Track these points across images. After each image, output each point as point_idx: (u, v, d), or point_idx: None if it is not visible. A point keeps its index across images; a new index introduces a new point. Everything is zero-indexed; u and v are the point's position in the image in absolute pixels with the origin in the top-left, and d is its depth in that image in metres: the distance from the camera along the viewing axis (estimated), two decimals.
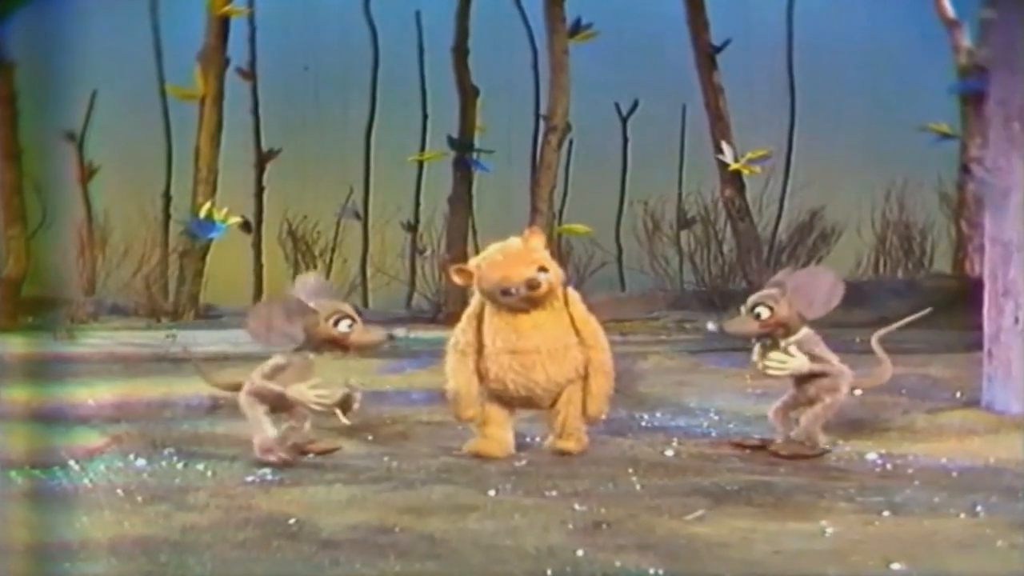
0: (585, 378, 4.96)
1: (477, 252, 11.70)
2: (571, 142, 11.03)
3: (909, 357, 6.76)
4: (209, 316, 10.52)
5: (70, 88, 10.55)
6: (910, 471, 4.66)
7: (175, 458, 4.84)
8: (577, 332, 4.95)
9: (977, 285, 8.73)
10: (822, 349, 4.95)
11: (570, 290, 5.05)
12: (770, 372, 4.93)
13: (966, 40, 10.68)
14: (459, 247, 11.07)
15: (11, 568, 3.55)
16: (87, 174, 11.13)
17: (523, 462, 4.80)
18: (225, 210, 10.45)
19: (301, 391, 4.71)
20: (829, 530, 3.83)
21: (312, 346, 4.77)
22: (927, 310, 5.36)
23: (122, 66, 11.06)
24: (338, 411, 4.89)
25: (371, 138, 11.95)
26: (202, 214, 10.34)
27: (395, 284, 11.71)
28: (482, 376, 4.94)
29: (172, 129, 11.46)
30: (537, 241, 4.97)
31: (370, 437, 5.31)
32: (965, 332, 7.44)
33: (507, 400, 4.96)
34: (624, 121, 11.94)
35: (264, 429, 4.73)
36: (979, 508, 4.07)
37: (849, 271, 10.73)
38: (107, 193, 11.12)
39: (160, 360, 7.10)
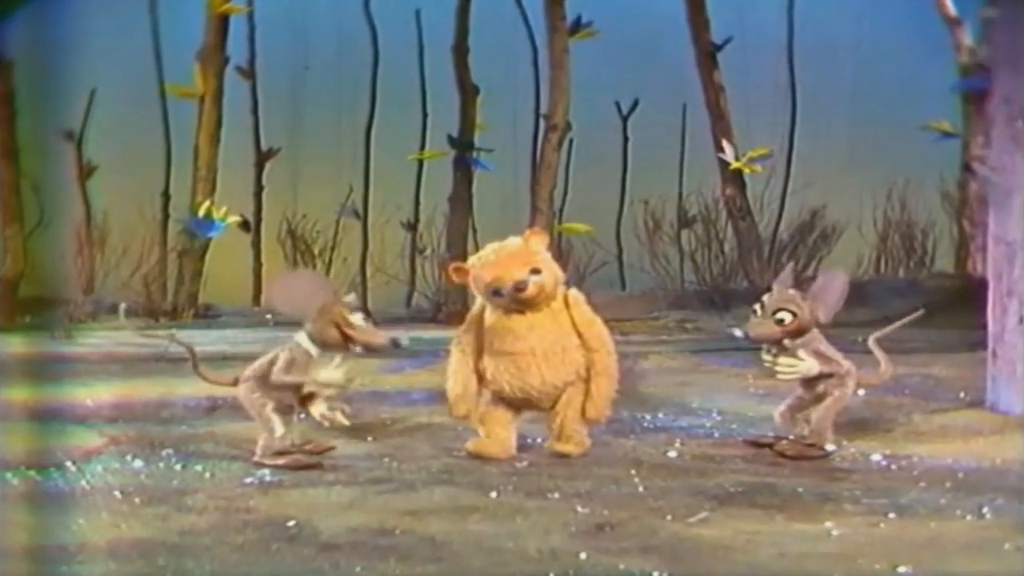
0: (587, 380, 4.90)
1: (477, 251, 11.78)
2: (571, 141, 11.01)
3: (912, 357, 6.73)
4: (208, 316, 10.49)
5: (68, 87, 10.52)
6: (915, 472, 4.63)
7: (173, 459, 4.81)
8: (579, 334, 4.89)
9: (980, 284, 8.73)
10: (826, 347, 4.92)
11: (573, 291, 4.98)
12: (780, 377, 4.89)
13: (968, 38, 10.66)
14: (459, 246, 11.05)
15: (7, 571, 3.51)
16: (85, 173, 11.09)
17: (524, 463, 4.76)
18: (224, 209, 10.42)
19: (329, 373, 4.69)
20: (834, 532, 3.80)
21: (317, 328, 4.72)
22: (920, 311, 5.31)
23: (121, 64, 11.03)
24: (338, 413, 4.87)
25: (371, 137, 11.92)
26: (201, 213, 10.31)
27: (395, 283, 11.68)
28: (481, 377, 4.90)
29: (171, 128, 11.42)
30: (537, 242, 4.91)
31: (370, 438, 5.27)
32: (968, 331, 7.42)
33: (507, 401, 4.92)
34: (625, 120, 11.91)
35: (274, 428, 4.70)
36: (985, 510, 4.04)
37: (850, 270, 10.67)
38: (106, 192, 11.08)
39: (159, 360, 7.04)
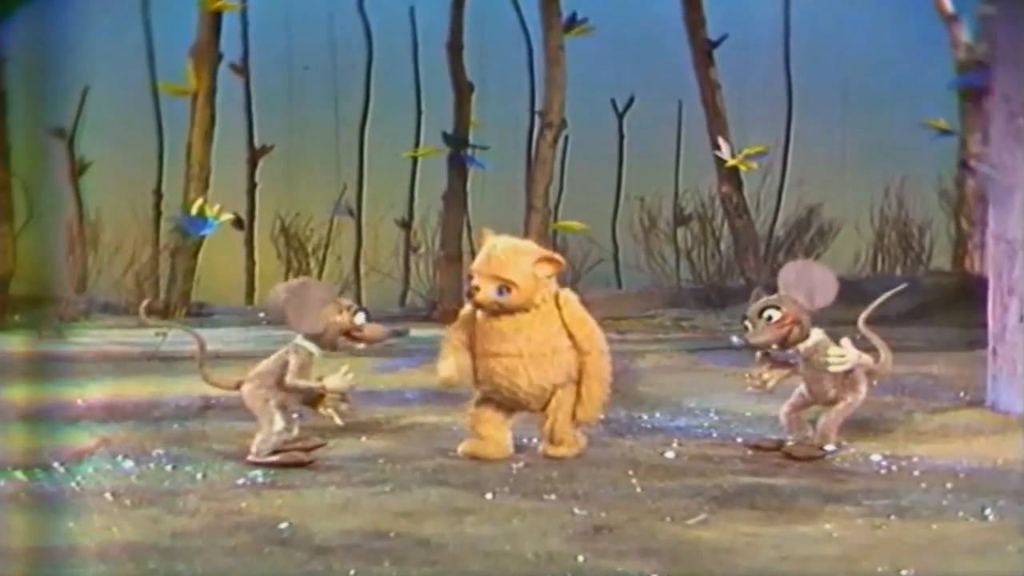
0: (578, 383, 4.83)
1: (472, 249, 11.75)
2: (567, 138, 10.95)
3: (910, 355, 6.67)
4: (201, 314, 10.43)
5: (61, 84, 10.46)
6: (916, 473, 4.58)
7: (164, 460, 4.75)
8: (570, 335, 4.82)
9: (977, 282, 8.71)
10: (846, 343, 4.88)
11: (566, 292, 4.89)
12: (832, 369, 4.83)
13: (965, 35, 10.63)
14: (454, 245, 11.01)
15: None
16: (78, 170, 11.03)
17: (520, 464, 4.70)
18: (217, 207, 10.35)
19: (338, 380, 4.72)
20: (836, 534, 3.75)
21: (326, 338, 4.71)
22: (904, 285, 5.26)
23: (114, 62, 10.96)
24: (333, 412, 4.84)
25: (365, 134, 11.86)
26: (194, 210, 10.25)
27: (389, 282, 11.63)
28: (475, 378, 4.85)
29: (164, 125, 11.36)
30: (523, 255, 4.79)
31: (364, 438, 5.21)
32: (966, 330, 7.39)
33: (497, 402, 4.86)
34: (620, 117, 11.86)
35: (275, 422, 4.67)
36: (988, 511, 3.99)
37: (847, 268, 10.66)
38: (99, 190, 11.02)
39: (151, 359, 6.99)
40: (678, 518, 3.90)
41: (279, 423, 4.68)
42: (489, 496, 4.17)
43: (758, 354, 4.95)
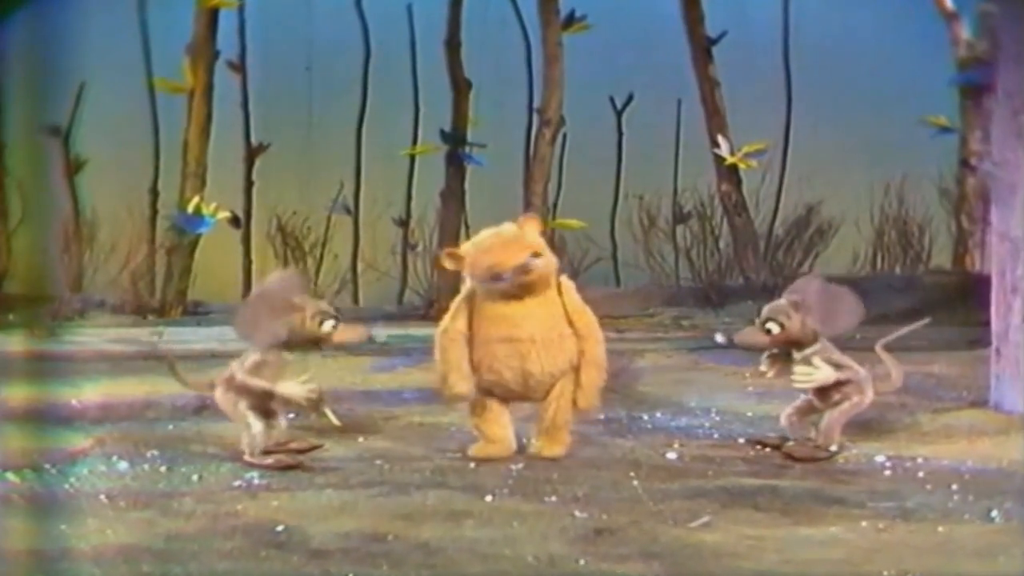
0: (577, 370, 4.79)
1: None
2: (565, 136, 10.89)
3: (912, 355, 6.58)
4: (197, 313, 10.37)
5: (56, 82, 10.39)
6: (920, 474, 4.53)
7: (159, 461, 4.70)
8: (570, 322, 4.79)
9: (978, 281, 8.66)
10: (839, 356, 4.83)
11: (565, 279, 4.91)
12: (797, 386, 4.79)
13: (965, 32, 10.56)
14: (451, 243, 10.92)
15: None
16: (73, 168, 10.96)
17: (520, 465, 4.65)
18: (214, 205, 10.30)
19: (292, 387, 4.62)
20: (841, 537, 3.70)
21: (293, 344, 4.65)
22: (926, 320, 5.23)
23: (109, 59, 10.88)
24: (328, 412, 4.80)
25: (362, 132, 11.79)
26: (190, 209, 10.19)
27: (386, 280, 11.56)
28: (475, 368, 4.77)
29: (160, 123, 11.30)
30: (532, 227, 4.84)
31: (361, 439, 5.15)
32: (968, 329, 7.35)
33: (501, 394, 4.80)
34: (619, 115, 11.80)
35: (251, 424, 4.62)
36: (994, 513, 3.96)
37: (847, 267, 10.60)
38: (94, 188, 10.95)
39: (147, 358, 6.92)
40: (681, 521, 3.85)
41: (255, 424, 4.62)
42: (489, 498, 4.12)
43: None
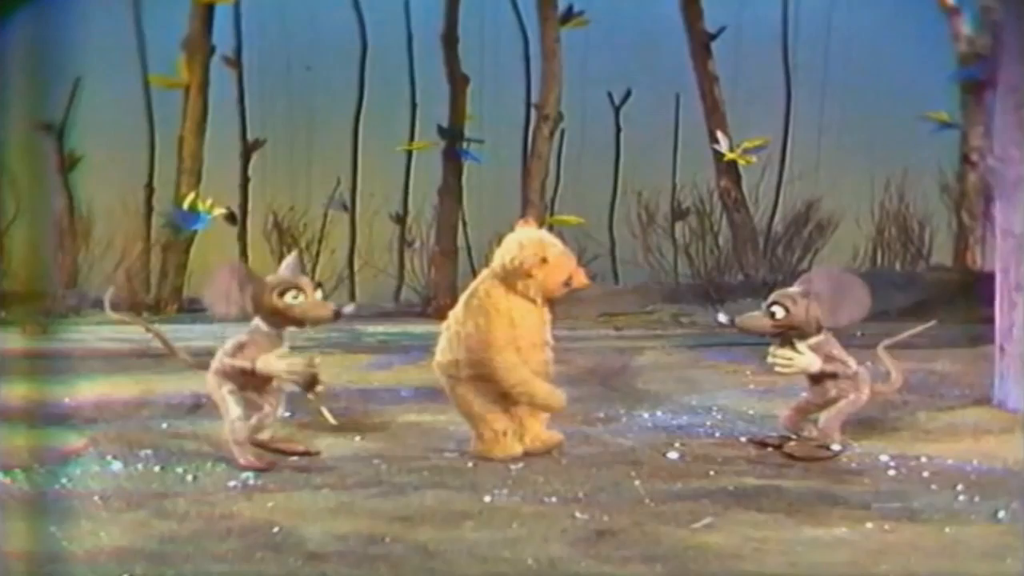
0: None
1: (467, 244, 11.64)
2: (563, 132, 10.86)
3: (913, 352, 6.53)
4: (193, 310, 10.30)
5: (51, 78, 10.31)
6: (925, 474, 4.47)
7: (153, 461, 4.63)
8: None
9: (980, 278, 8.59)
10: (839, 351, 4.76)
11: None
12: (776, 370, 4.74)
13: (966, 28, 10.52)
14: (449, 239, 10.92)
15: None
16: (68, 164, 10.90)
17: (519, 465, 4.58)
18: (210, 201, 10.24)
19: (268, 361, 4.58)
20: (846, 538, 3.64)
21: (263, 318, 4.58)
22: (932, 323, 5.16)
23: (105, 55, 10.82)
24: (325, 411, 4.74)
25: (359, 128, 11.75)
26: (186, 205, 10.13)
27: (383, 277, 11.51)
28: None
29: (156, 119, 11.25)
30: None
31: (358, 438, 5.09)
32: (969, 326, 7.29)
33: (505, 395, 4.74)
34: (617, 110, 11.75)
35: (229, 408, 4.55)
36: (1001, 514, 3.90)
37: (846, 263, 10.54)
38: (90, 184, 10.89)
39: (141, 356, 6.85)
40: (683, 522, 3.78)
41: (235, 409, 4.56)
42: (488, 499, 4.05)
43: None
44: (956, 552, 3.56)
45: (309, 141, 11.60)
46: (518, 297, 4.66)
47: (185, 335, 7.75)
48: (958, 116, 10.63)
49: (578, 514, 3.86)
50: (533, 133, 10.71)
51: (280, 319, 4.63)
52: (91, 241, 10.58)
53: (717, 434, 5.20)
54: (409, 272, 11.44)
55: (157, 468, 4.54)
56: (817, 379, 4.77)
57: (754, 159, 10.83)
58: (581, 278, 4.73)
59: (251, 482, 4.33)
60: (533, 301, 4.66)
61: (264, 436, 4.68)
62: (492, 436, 4.71)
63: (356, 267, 11.62)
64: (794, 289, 4.81)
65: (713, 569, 3.40)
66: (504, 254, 4.71)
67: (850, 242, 10.96)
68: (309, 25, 11.50)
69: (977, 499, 4.09)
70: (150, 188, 11.07)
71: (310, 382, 4.66)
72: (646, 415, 5.57)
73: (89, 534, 3.69)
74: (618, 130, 11.79)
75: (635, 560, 3.44)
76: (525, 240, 4.74)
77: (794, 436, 4.84)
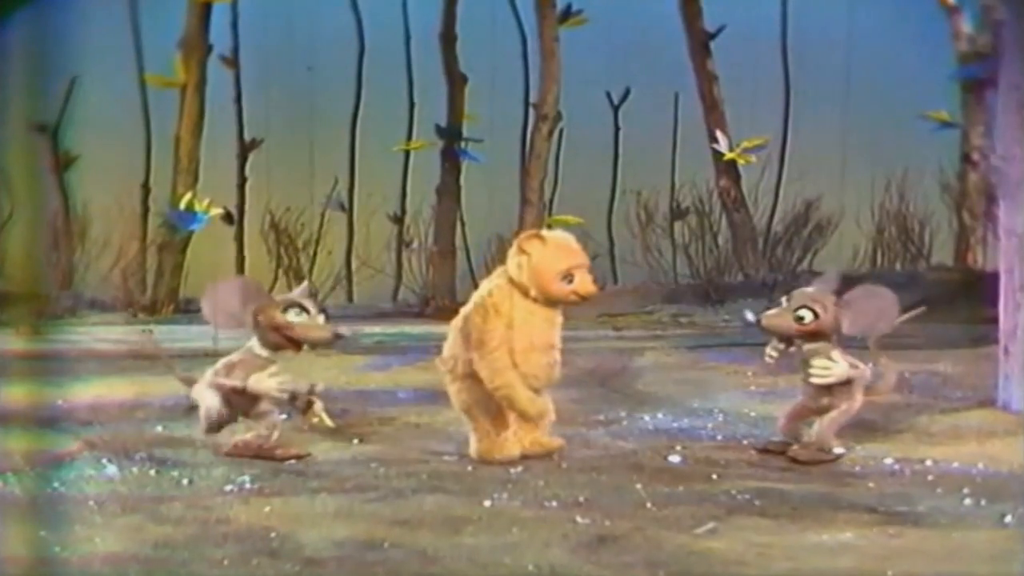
0: None
1: (465, 244, 11.59)
2: (561, 131, 10.81)
3: (915, 353, 6.51)
4: (190, 311, 10.25)
5: (47, 78, 10.26)
6: (930, 477, 4.42)
7: (148, 464, 4.57)
8: None
9: (981, 278, 8.54)
10: (842, 354, 4.70)
11: None
12: (813, 380, 4.66)
13: (966, 27, 10.47)
14: (447, 239, 10.88)
15: None
16: (63, 164, 10.84)
17: (519, 468, 4.52)
18: (207, 201, 10.18)
19: (260, 379, 4.54)
20: (851, 544, 3.58)
21: (261, 335, 4.55)
22: (922, 309, 5.07)
23: (101, 54, 10.76)
24: (322, 413, 4.70)
25: (356, 127, 11.69)
26: (183, 205, 10.07)
27: (381, 277, 11.46)
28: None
29: (152, 118, 11.20)
30: None
31: (356, 441, 5.03)
32: (971, 326, 7.24)
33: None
34: (616, 110, 11.70)
35: (204, 398, 4.54)
36: (1008, 519, 3.84)
37: (846, 263, 10.50)
38: (86, 184, 10.84)
39: (137, 357, 6.79)
40: (686, 527, 3.73)
41: (211, 399, 4.58)
42: (487, 503, 4.00)
43: None
44: (963, 557, 3.51)
45: (307, 141, 11.54)
46: (522, 298, 4.60)
47: (181, 336, 7.74)
48: (959, 115, 10.58)
49: (579, 519, 3.80)
50: (532, 132, 10.66)
51: (278, 338, 4.58)
52: (87, 241, 10.53)
53: (719, 437, 5.13)
54: (407, 272, 11.39)
55: (152, 472, 4.48)
56: (817, 387, 4.71)
57: (754, 159, 10.77)
58: (585, 283, 4.62)
59: (247, 486, 4.27)
60: (535, 300, 4.59)
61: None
62: (489, 437, 4.66)
63: (354, 267, 11.57)
64: (819, 293, 4.71)
65: (717, 574, 3.35)
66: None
67: (850, 242, 10.91)
68: (307, 24, 11.45)
69: (983, 503, 4.04)
70: (146, 188, 11.02)
71: (305, 406, 4.63)
72: (647, 417, 5.51)
73: (82, 539, 3.64)
74: (617, 129, 11.73)
75: (637, 566, 3.39)
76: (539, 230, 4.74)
77: (793, 441, 4.78)
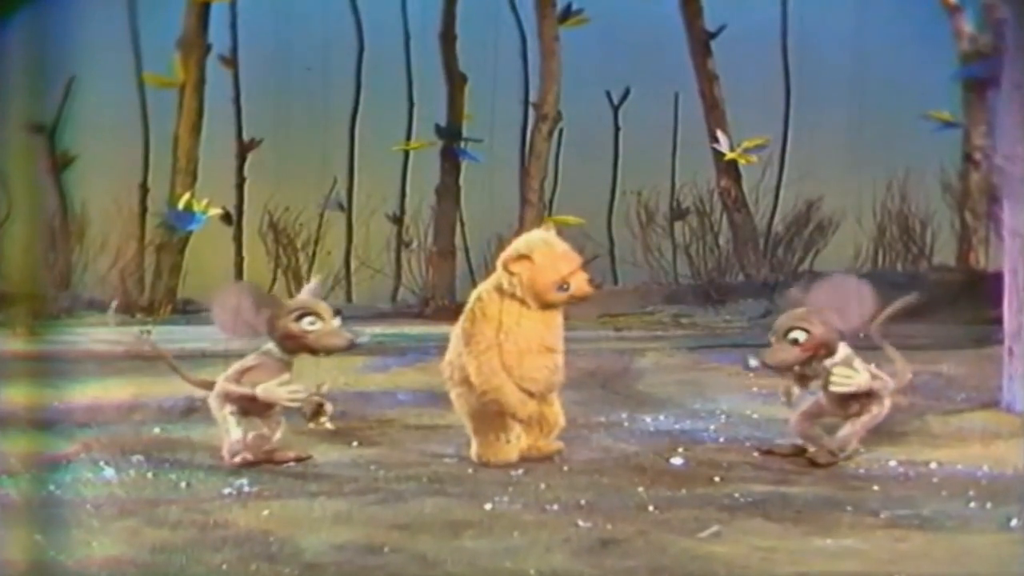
0: None
1: (465, 244, 11.57)
2: (561, 131, 10.78)
3: (918, 354, 6.44)
4: (188, 311, 10.22)
5: (45, 77, 10.23)
6: (935, 480, 4.38)
7: (145, 467, 4.52)
8: None
9: (983, 278, 8.51)
10: (862, 364, 4.65)
11: None
12: (835, 389, 4.60)
13: (968, 26, 10.42)
14: (446, 239, 10.85)
15: None
16: (61, 164, 10.81)
17: (520, 471, 4.48)
18: (205, 201, 10.16)
19: (270, 389, 4.47)
20: (856, 548, 3.54)
21: (276, 342, 4.49)
22: (915, 295, 5.02)
23: (99, 53, 10.73)
24: (325, 417, 4.66)
25: (355, 127, 11.66)
26: (181, 205, 10.05)
27: (380, 278, 11.43)
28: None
29: (150, 118, 11.16)
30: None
31: (355, 443, 4.99)
32: (974, 327, 7.21)
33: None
34: (616, 109, 11.66)
35: (229, 430, 4.47)
36: (1014, 522, 3.80)
37: (848, 263, 10.47)
38: (84, 184, 10.80)
39: (134, 358, 6.76)
40: (688, 530, 3.69)
41: (235, 432, 4.47)
42: (488, 506, 3.96)
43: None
44: (969, 561, 3.48)
45: (305, 141, 11.51)
46: (513, 302, 4.56)
47: (179, 337, 7.70)
48: (960, 115, 10.53)
49: (581, 522, 3.76)
50: (531, 132, 10.63)
51: (293, 344, 4.52)
52: (85, 241, 10.50)
53: (721, 439, 5.10)
54: (406, 273, 11.36)
55: (149, 474, 4.44)
56: (839, 394, 4.66)
57: (755, 158, 10.74)
58: (582, 285, 4.59)
59: (246, 489, 4.23)
60: (526, 304, 4.55)
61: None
62: (488, 440, 4.63)
63: (352, 268, 11.54)
64: (794, 311, 4.66)
65: None
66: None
67: (851, 242, 10.88)
68: (306, 24, 11.41)
69: (988, 506, 4.00)
70: (145, 188, 10.98)
71: (315, 411, 4.57)
72: (648, 419, 5.47)
73: (79, 543, 3.60)
74: (617, 129, 11.70)
75: (640, 571, 3.35)
76: (522, 239, 4.66)
77: (803, 442, 4.73)
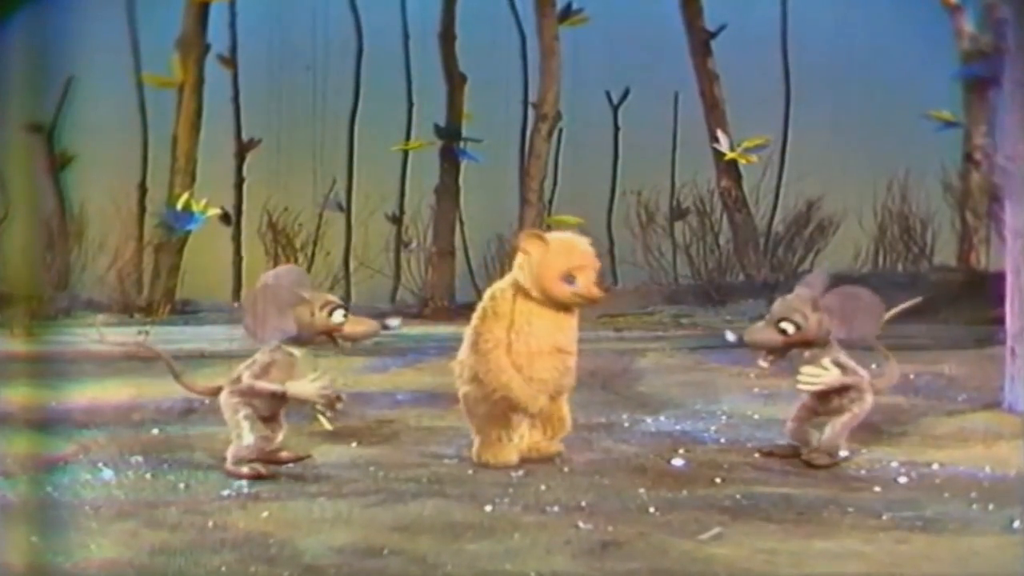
0: None
1: (465, 244, 11.57)
2: (561, 131, 10.77)
3: (919, 354, 6.46)
4: (186, 312, 10.21)
5: (43, 78, 10.23)
6: (937, 481, 4.36)
7: (144, 468, 4.50)
8: None
9: (984, 278, 8.49)
10: (845, 359, 4.63)
11: None
12: (802, 387, 4.60)
13: (968, 25, 10.41)
14: (446, 239, 10.84)
15: None
16: (60, 164, 10.80)
17: (520, 472, 4.46)
18: (204, 201, 10.14)
19: (303, 387, 4.42)
20: (858, 550, 3.52)
21: (303, 339, 4.47)
22: (918, 299, 5.00)
23: (98, 53, 10.73)
24: (321, 416, 4.64)
25: (355, 127, 11.66)
26: (179, 205, 10.03)
27: (379, 278, 11.42)
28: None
29: (149, 118, 11.16)
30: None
31: (354, 444, 4.97)
32: (974, 327, 7.18)
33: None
34: (615, 109, 11.65)
35: (242, 435, 4.43)
36: (1016, 523, 3.77)
37: (848, 263, 10.46)
38: (83, 184, 10.79)
39: (132, 359, 6.74)
40: (690, 532, 3.66)
41: (248, 437, 4.42)
42: (488, 508, 3.94)
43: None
44: (971, 563, 3.45)
45: (305, 141, 11.51)
46: (525, 300, 4.54)
47: (177, 337, 7.69)
48: (961, 114, 10.53)
49: (581, 524, 3.74)
50: (531, 132, 10.62)
51: (324, 338, 4.50)
52: (83, 242, 10.50)
53: (722, 440, 5.07)
54: (405, 273, 11.35)
55: (148, 476, 4.42)
56: (826, 391, 4.64)
57: (755, 158, 10.73)
58: (588, 283, 4.56)
59: (245, 491, 4.21)
60: (540, 303, 4.53)
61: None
62: (489, 440, 4.61)
63: (352, 268, 11.53)
64: (797, 300, 4.64)
65: None
66: None
67: (852, 242, 10.89)
68: (305, 24, 11.42)
69: (991, 508, 3.97)
70: (143, 188, 11.00)
71: (330, 404, 4.55)
72: (649, 420, 5.45)
73: (77, 545, 3.58)
74: (617, 129, 11.70)
75: (641, 573, 3.33)
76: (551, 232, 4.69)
77: (799, 445, 4.71)
